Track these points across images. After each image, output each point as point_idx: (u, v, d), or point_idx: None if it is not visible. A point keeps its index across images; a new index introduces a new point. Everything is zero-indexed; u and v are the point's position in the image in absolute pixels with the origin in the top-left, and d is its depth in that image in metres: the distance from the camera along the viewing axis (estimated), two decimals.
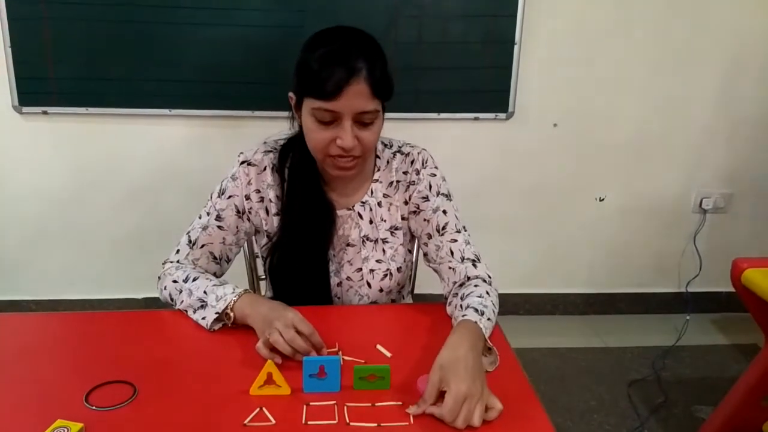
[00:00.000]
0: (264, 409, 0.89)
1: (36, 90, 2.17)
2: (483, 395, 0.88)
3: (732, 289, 1.62)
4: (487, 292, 1.14)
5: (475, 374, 0.90)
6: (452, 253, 1.22)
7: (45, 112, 2.22)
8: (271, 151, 1.26)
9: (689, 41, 2.33)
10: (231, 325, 1.11)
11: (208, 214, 1.25)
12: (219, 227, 1.24)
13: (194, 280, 1.17)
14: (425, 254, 1.29)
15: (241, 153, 1.25)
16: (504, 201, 2.48)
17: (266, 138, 1.30)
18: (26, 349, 1.06)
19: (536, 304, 2.66)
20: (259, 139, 1.30)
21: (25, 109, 2.20)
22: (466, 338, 0.98)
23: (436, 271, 1.28)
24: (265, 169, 1.24)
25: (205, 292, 1.14)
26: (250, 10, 2.12)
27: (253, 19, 2.13)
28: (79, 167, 2.32)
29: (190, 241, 1.25)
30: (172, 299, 1.20)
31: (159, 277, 1.25)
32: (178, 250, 1.25)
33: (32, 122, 2.24)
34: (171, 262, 1.25)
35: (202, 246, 1.24)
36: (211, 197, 1.26)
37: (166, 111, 2.23)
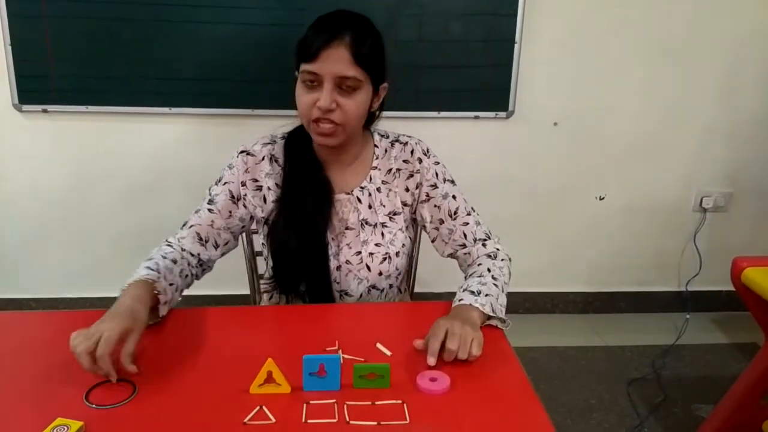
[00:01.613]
0: (264, 407, 0.89)
1: (36, 88, 2.17)
2: (476, 335, 1.01)
3: (732, 288, 1.62)
4: (488, 269, 1.22)
5: (466, 324, 1.03)
6: (465, 236, 1.31)
7: (45, 111, 2.22)
8: (269, 143, 1.29)
9: (690, 38, 2.33)
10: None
11: (204, 200, 1.28)
12: (209, 210, 1.27)
13: (149, 260, 1.17)
14: (434, 240, 1.34)
15: (242, 145, 1.29)
16: (504, 200, 2.48)
17: (266, 133, 1.32)
18: (26, 347, 1.06)
19: (536, 302, 2.66)
20: (259, 137, 1.31)
21: (25, 107, 2.20)
22: (455, 315, 1.08)
23: (452, 256, 1.34)
24: (263, 159, 1.28)
25: (136, 271, 1.12)
26: (251, 9, 2.12)
27: (253, 17, 2.13)
28: (79, 165, 2.32)
29: (183, 225, 1.28)
30: None
31: None
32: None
33: (32, 120, 2.24)
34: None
35: (191, 226, 1.27)
36: (210, 190, 1.29)
37: (166, 109, 2.23)
